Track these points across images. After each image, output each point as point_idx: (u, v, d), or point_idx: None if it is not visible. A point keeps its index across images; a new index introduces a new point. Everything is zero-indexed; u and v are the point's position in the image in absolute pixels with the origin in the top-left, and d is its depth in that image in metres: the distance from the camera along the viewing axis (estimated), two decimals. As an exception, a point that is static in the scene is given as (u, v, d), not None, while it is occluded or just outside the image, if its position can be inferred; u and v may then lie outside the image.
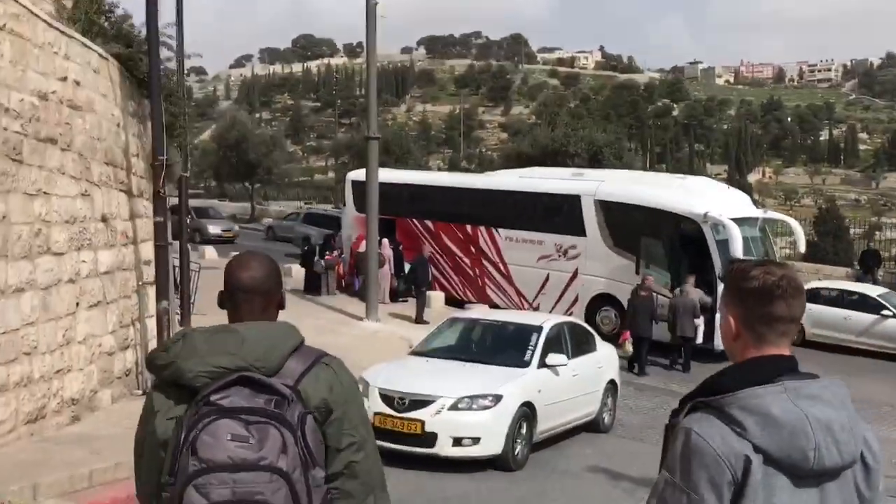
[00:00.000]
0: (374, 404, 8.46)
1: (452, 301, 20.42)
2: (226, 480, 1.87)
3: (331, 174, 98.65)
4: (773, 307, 1.89)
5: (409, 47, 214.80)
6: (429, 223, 21.28)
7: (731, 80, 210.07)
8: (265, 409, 1.94)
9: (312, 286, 20.51)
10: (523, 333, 9.64)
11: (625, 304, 17.11)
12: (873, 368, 16.30)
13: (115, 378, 9.81)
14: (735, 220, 15.84)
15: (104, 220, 9.87)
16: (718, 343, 16.25)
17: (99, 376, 9.32)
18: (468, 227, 20.40)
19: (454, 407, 8.28)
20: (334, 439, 2.06)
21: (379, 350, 14.41)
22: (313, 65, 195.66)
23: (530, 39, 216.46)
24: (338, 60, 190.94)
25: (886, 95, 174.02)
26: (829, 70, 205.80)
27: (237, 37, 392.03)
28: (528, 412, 8.72)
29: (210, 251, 25.32)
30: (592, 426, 10.31)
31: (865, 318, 17.43)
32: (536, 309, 17.62)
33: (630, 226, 17.60)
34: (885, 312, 17.24)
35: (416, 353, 9.82)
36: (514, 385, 8.69)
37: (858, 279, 24.60)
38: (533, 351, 9.27)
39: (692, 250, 16.77)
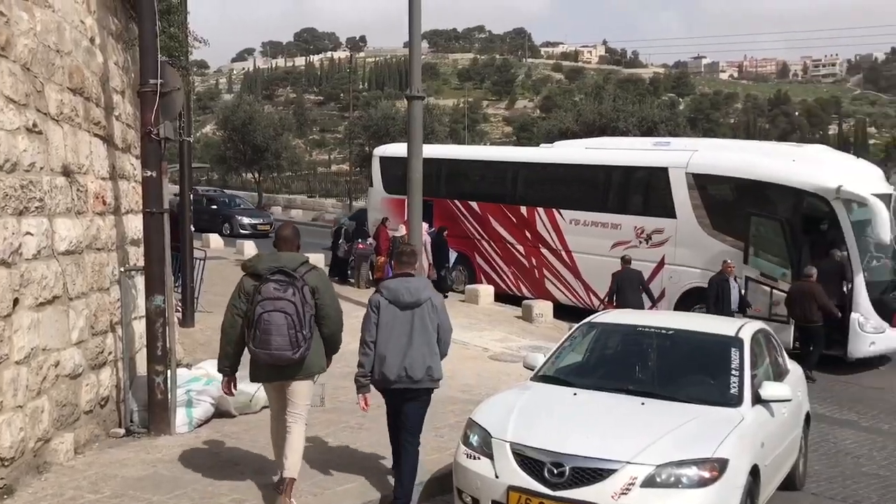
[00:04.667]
0: (505, 473, 5.12)
1: (504, 296, 17.22)
2: (270, 304, 5.42)
3: (335, 167, 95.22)
4: (402, 257, 5.98)
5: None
6: (473, 205, 17.98)
7: (735, 74, 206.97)
8: (287, 280, 5.49)
9: (335, 272, 18.14)
10: (714, 349, 6.19)
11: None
12: None
13: (81, 413, 6.46)
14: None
15: (67, 173, 6.53)
16: (853, 351, 13.13)
17: (54, 413, 5.98)
18: (523, 209, 17.10)
19: (651, 481, 4.84)
20: (319, 303, 5.59)
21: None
22: (316, 59, 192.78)
23: (532, 34, 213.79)
24: (340, 54, 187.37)
25: (892, 90, 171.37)
26: (834, 65, 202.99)
27: (239, 31, 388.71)
28: (752, 483, 5.34)
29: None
30: (786, 481, 6.92)
31: None
32: (618, 307, 14.08)
33: (735, 205, 14.28)
34: None
35: (545, 377, 6.29)
36: (736, 439, 5.21)
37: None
38: (739, 377, 5.85)
39: (819, 234, 13.52)
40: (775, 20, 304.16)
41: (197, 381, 7.87)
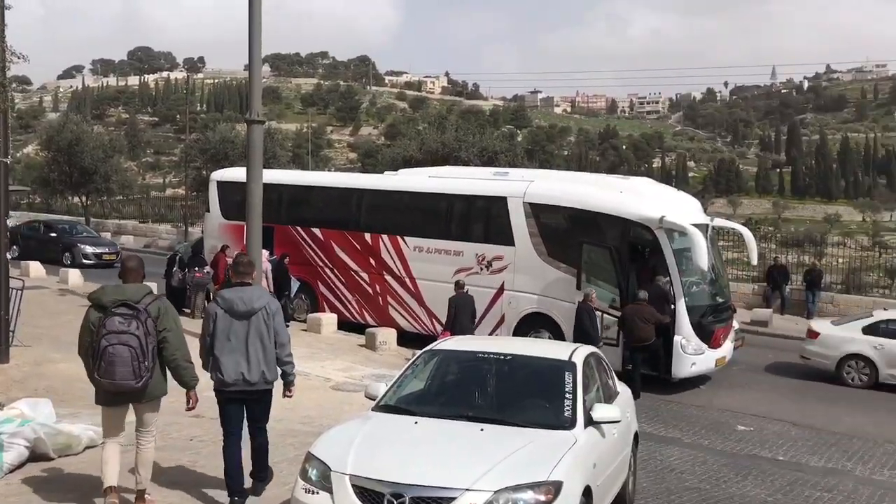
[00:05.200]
0: None
1: (347, 325, 17.04)
2: (115, 337, 5.67)
3: (170, 191, 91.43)
4: (239, 267, 6.48)
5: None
6: (316, 231, 17.76)
7: (569, 109, 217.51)
8: (131, 312, 5.74)
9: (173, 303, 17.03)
10: (548, 373, 6.39)
11: (562, 324, 14.42)
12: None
13: None
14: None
15: None
16: (677, 371, 13.94)
17: None
18: (367, 236, 17.07)
19: None
20: (160, 328, 5.84)
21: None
22: (151, 78, 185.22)
23: (377, 63, 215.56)
24: (177, 74, 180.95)
25: (708, 127, 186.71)
26: (658, 103, 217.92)
27: (66, 47, 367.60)
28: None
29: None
30: (617, 499, 7.20)
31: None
32: (451, 332, 14.28)
33: (568, 233, 14.91)
34: None
35: (386, 407, 6.25)
36: (570, 462, 5.35)
37: (766, 297, 23.50)
38: (572, 400, 6.05)
39: (644, 261, 14.36)
40: (605, 59, 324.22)
41: (10, 423, 7.22)
